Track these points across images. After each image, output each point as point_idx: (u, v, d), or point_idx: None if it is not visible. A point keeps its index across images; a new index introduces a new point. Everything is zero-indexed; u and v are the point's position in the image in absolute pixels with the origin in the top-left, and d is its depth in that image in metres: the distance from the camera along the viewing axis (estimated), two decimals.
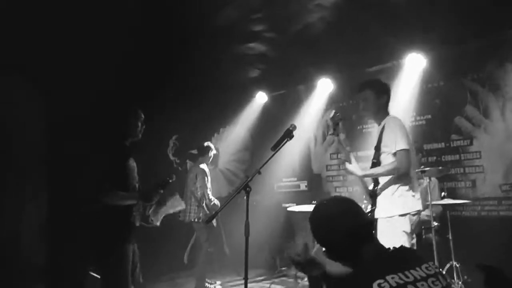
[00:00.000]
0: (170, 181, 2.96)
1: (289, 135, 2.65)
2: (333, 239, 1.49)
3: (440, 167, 4.54)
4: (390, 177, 2.92)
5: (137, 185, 2.97)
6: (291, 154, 6.73)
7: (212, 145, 5.52)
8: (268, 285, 5.26)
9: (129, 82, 5.09)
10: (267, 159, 2.63)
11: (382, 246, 1.50)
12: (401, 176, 2.88)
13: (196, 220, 5.12)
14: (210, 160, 5.51)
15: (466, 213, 5.14)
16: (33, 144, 4.83)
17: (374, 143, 3.11)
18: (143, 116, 3.04)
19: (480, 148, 5.12)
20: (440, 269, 1.40)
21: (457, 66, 5.29)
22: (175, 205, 3.12)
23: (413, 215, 2.86)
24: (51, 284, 4.48)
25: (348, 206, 1.56)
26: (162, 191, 2.94)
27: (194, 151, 5.91)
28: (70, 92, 4.72)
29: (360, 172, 3.05)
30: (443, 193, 4.45)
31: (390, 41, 5.00)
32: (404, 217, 2.82)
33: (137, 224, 2.91)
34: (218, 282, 5.35)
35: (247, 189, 2.52)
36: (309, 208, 4.92)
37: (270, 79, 6.70)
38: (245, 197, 2.53)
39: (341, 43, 5.13)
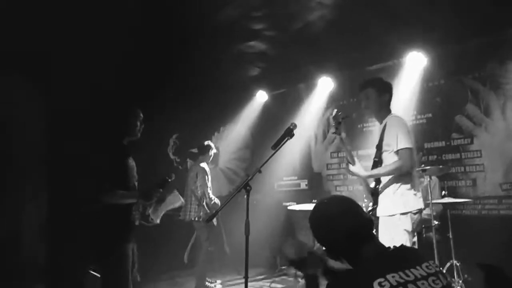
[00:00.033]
0: (169, 180, 2.97)
1: (289, 133, 2.64)
2: (333, 239, 1.49)
3: (441, 166, 4.54)
4: (391, 175, 2.92)
5: (136, 184, 2.97)
6: (292, 152, 6.73)
7: (212, 144, 5.52)
8: (268, 284, 5.26)
9: (130, 81, 5.09)
10: (268, 158, 2.63)
11: (382, 245, 1.50)
12: (402, 175, 2.88)
13: (196, 219, 5.12)
14: (211, 159, 5.50)
15: (467, 212, 5.14)
16: (33, 144, 4.83)
17: (376, 141, 3.10)
18: (142, 115, 3.04)
19: (480, 146, 5.11)
20: (441, 268, 1.40)
21: (458, 64, 5.29)
22: (174, 201, 3.13)
23: (415, 213, 2.86)
24: (51, 284, 4.48)
25: (348, 205, 1.55)
26: (161, 190, 2.94)
27: (195, 150, 5.91)
28: (70, 92, 4.72)
29: (363, 173, 3.04)
30: (443, 192, 4.45)
31: (390, 39, 4.99)
32: (405, 215, 2.83)
33: (137, 223, 2.91)
34: (219, 281, 5.35)
35: (248, 188, 2.51)
36: (310, 207, 4.92)
37: (270, 77, 6.70)
38: (245, 196, 2.52)
39: (341, 41, 5.13)
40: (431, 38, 5.02)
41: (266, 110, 7.36)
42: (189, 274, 5.57)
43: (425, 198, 3.20)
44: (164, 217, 3.19)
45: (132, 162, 2.96)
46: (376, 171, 2.98)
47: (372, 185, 3.07)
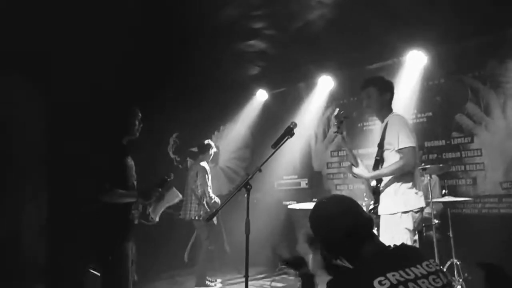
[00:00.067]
0: (168, 180, 2.99)
1: (289, 132, 2.64)
2: (333, 238, 1.49)
3: (441, 165, 4.55)
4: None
5: (135, 183, 2.98)
6: (292, 151, 6.72)
7: (212, 143, 5.53)
8: (268, 283, 5.26)
9: (130, 81, 5.09)
10: (268, 156, 2.63)
11: (382, 244, 1.50)
12: (404, 173, 2.88)
13: (196, 218, 5.13)
14: (211, 158, 5.51)
15: (467, 211, 5.13)
16: (33, 144, 4.83)
17: (376, 140, 3.10)
18: (140, 114, 3.05)
19: (481, 145, 5.11)
20: (441, 267, 1.40)
21: (458, 63, 5.28)
22: (172, 197, 3.14)
23: (416, 212, 2.86)
24: (51, 284, 4.49)
25: (348, 205, 1.55)
26: (160, 190, 2.96)
27: (195, 149, 5.91)
28: (70, 92, 4.72)
29: (367, 174, 3.04)
30: (443, 191, 4.45)
31: (391, 38, 4.99)
32: (407, 214, 2.83)
33: (136, 222, 2.92)
34: (219, 280, 5.36)
35: (248, 187, 2.51)
36: (310, 205, 4.91)
37: (270, 76, 6.69)
38: (245, 195, 2.52)
39: (341, 40, 5.12)
40: (431, 37, 5.01)
41: (266, 109, 7.35)
42: (189, 273, 5.58)
43: (425, 197, 3.20)
44: (164, 216, 3.19)
45: (131, 162, 2.97)
46: (379, 171, 2.97)
47: (374, 183, 3.06)
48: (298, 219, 6.14)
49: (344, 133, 3.15)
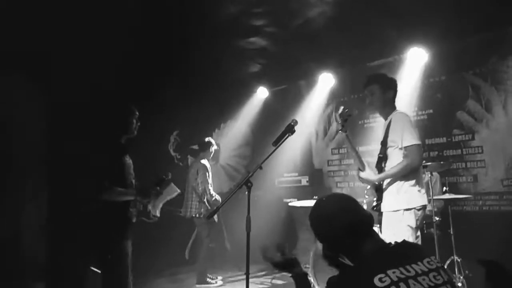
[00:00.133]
0: (166, 179, 3.01)
1: (290, 130, 2.64)
2: (333, 236, 1.49)
3: (442, 162, 4.53)
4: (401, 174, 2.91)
5: (133, 182, 2.99)
6: (293, 149, 6.72)
7: (213, 141, 5.52)
8: (269, 280, 5.27)
9: (130, 79, 5.09)
10: (269, 154, 2.63)
11: (383, 241, 1.50)
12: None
13: (197, 215, 5.13)
14: (211, 155, 5.51)
15: (468, 208, 5.13)
16: (33, 144, 4.83)
17: (377, 137, 3.10)
18: (137, 113, 3.05)
19: (482, 142, 5.10)
20: (442, 264, 1.40)
21: (459, 60, 5.27)
22: (171, 192, 3.16)
23: (418, 209, 2.86)
24: (51, 284, 4.49)
25: (347, 202, 1.56)
26: (158, 188, 2.98)
27: (195, 147, 5.91)
28: (70, 92, 4.72)
29: (374, 177, 3.02)
30: (444, 188, 4.44)
31: (391, 35, 4.98)
32: (409, 211, 2.83)
33: (134, 220, 2.93)
34: (220, 278, 5.36)
35: (249, 184, 2.52)
36: (310, 203, 4.91)
37: (271, 74, 6.69)
38: (246, 193, 2.53)
39: (342, 37, 5.12)
40: (432, 34, 5.00)
41: (267, 107, 7.35)
42: (190, 270, 5.59)
43: (426, 194, 3.20)
44: (165, 214, 3.20)
45: (129, 160, 2.99)
46: (385, 173, 2.95)
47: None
48: (299, 217, 6.15)
49: (348, 131, 3.15)
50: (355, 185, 6.31)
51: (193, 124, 6.81)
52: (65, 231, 4.49)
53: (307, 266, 4.27)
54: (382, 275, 1.26)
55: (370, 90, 3.11)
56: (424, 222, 4.38)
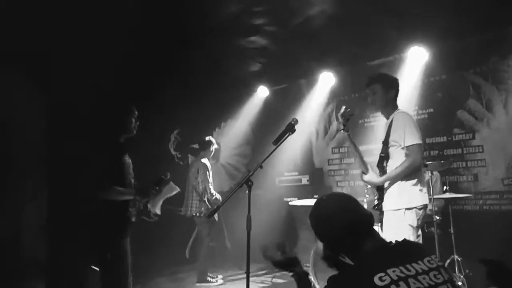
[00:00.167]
0: (165, 178, 3.02)
1: (291, 129, 2.65)
2: (333, 235, 1.49)
3: (442, 161, 4.54)
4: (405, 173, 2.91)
5: (132, 181, 2.99)
6: (293, 148, 6.72)
7: (213, 140, 5.52)
8: (270, 279, 5.27)
9: (131, 75, 5.08)
10: (269, 153, 2.63)
11: (383, 240, 1.50)
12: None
13: (197, 214, 5.13)
14: (212, 154, 5.51)
15: (468, 207, 5.13)
16: (33, 144, 4.83)
17: (378, 136, 3.11)
18: (136, 112, 3.05)
19: (482, 142, 5.10)
20: (442, 263, 1.40)
21: (460, 59, 5.27)
22: (170, 190, 3.16)
23: (420, 209, 2.86)
24: (51, 284, 4.49)
25: (347, 202, 1.56)
26: (157, 188, 2.98)
27: (196, 146, 5.91)
28: (70, 92, 4.72)
29: (377, 180, 3.02)
30: (445, 187, 4.44)
31: (392, 34, 4.97)
32: (410, 210, 2.83)
33: (133, 219, 2.93)
34: (220, 276, 5.37)
35: (249, 183, 2.52)
36: (311, 202, 4.92)
37: (271, 73, 6.68)
38: (246, 192, 2.53)
39: (342, 36, 5.11)
40: (432, 33, 4.99)
41: (267, 106, 7.35)
42: (191, 269, 5.59)
43: (427, 194, 3.21)
44: (166, 212, 3.20)
45: (128, 160, 2.99)
46: (388, 175, 2.95)
47: None
48: (299, 216, 6.15)
49: (349, 131, 3.16)
50: (355, 184, 6.31)
51: (194, 123, 6.81)
52: (65, 231, 4.49)
53: (308, 265, 4.27)
54: (382, 274, 1.26)
55: (372, 89, 3.11)
56: (425, 221, 4.39)
